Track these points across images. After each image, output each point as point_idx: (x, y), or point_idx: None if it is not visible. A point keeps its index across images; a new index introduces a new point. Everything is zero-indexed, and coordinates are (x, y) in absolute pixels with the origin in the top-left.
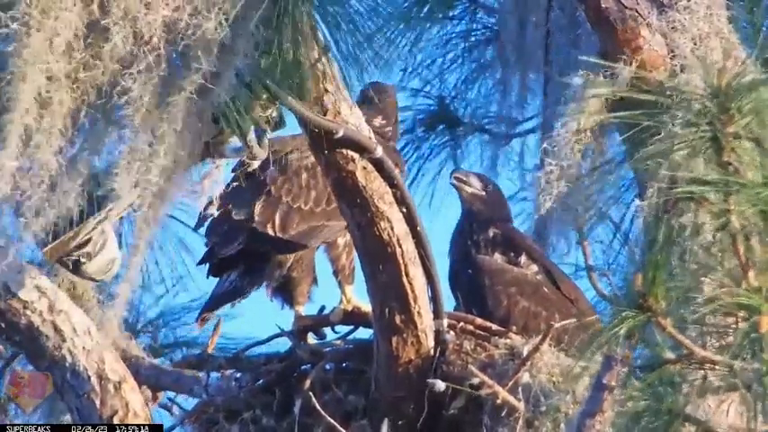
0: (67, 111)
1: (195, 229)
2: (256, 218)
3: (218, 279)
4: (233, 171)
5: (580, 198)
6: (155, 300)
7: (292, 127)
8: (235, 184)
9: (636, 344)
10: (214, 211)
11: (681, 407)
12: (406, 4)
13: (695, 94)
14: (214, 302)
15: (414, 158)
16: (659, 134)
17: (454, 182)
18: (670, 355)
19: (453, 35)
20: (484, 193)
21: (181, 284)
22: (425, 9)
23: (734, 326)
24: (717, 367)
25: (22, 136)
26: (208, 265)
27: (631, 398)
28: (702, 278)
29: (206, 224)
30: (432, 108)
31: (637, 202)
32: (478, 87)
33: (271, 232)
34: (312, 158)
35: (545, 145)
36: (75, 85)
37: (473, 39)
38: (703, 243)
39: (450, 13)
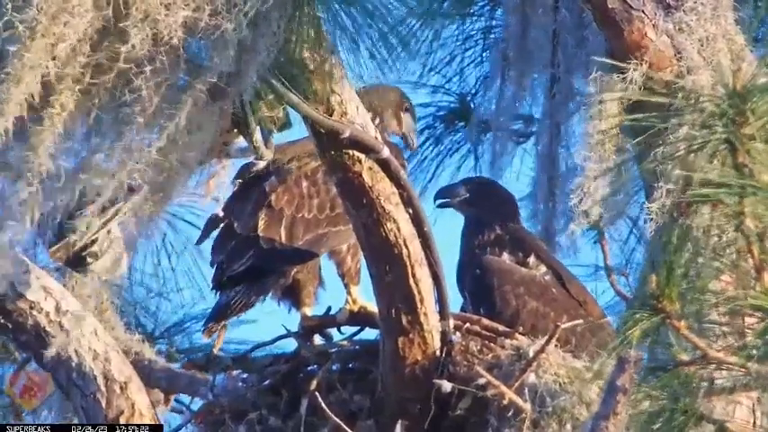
0: (70, 114)
1: (200, 239)
2: (262, 233)
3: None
4: (232, 182)
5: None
6: (173, 308)
7: (297, 128)
8: (241, 185)
9: (650, 345)
10: (220, 213)
11: (697, 407)
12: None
13: (709, 96)
14: (221, 313)
15: (434, 154)
16: (668, 135)
17: (439, 205)
18: (684, 356)
19: (473, 32)
20: (468, 194)
21: (198, 292)
22: (445, 5)
23: (748, 327)
24: (731, 368)
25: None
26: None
27: (647, 399)
28: (716, 280)
29: (212, 230)
30: (452, 105)
31: (646, 204)
32: (498, 85)
33: (278, 245)
34: (312, 166)
35: (581, 151)
36: (82, 89)
37: (492, 36)
38: (717, 245)
39: (470, 10)
